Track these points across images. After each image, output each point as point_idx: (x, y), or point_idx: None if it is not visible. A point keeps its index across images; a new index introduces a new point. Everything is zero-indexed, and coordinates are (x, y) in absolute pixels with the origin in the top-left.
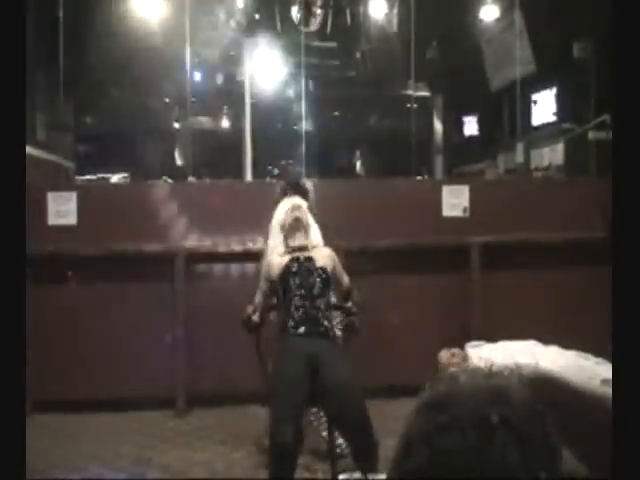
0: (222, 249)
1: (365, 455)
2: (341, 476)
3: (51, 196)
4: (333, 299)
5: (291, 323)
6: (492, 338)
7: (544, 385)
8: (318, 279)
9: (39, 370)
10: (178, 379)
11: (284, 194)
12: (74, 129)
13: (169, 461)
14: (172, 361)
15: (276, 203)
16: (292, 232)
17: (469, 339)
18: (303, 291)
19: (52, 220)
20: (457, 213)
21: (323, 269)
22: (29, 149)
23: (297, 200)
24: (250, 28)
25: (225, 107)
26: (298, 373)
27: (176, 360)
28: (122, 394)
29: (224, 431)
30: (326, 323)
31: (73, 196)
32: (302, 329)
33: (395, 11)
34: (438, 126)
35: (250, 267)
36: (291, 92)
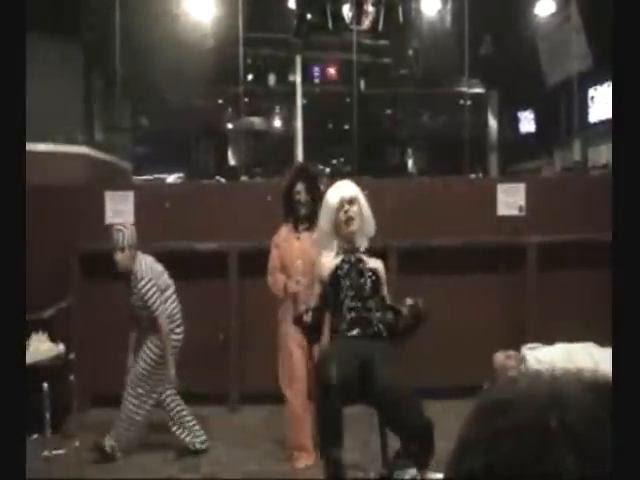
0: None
1: (422, 455)
2: (396, 474)
3: (109, 195)
4: (387, 300)
5: (343, 325)
6: (549, 340)
7: (604, 389)
8: (369, 280)
9: (93, 366)
10: (231, 375)
11: (293, 180)
12: (131, 130)
13: (221, 455)
14: (225, 358)
15: (282, 194)
16: (344, 235)
17: (525, 341)
18: (354, 292)
19: (110, 219)
20: (513, 212)
21: (373, 270)
22: (87, 150)
23: (347, 190)
24: (302, 28)
25: (277, 107)
26: (348, 375)
27: (229, 357)
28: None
29: (276, 428)
30: (379, 324)
31: (130, 196)
32: (354, 331)
33: (448, 7)
34: (493, 123)
35: None
36: (342, 91)
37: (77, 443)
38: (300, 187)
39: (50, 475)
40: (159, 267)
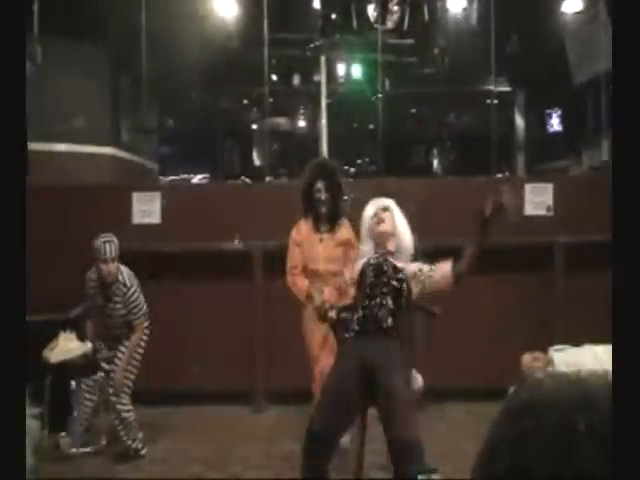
0: None
1: (402, 471)
2: (420, 477)
3: (136, 196)
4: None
5: (353, 323)
6: (576, 341)
7: None
8: (392, 279)
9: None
10: (257, 375)
11: (313, 177)
12: (157, 131)
13: (247, 455)
14: (251, 358)
15: (302, 191)
16: (378, 241)
17: (552, 342)
18: (370, 290)
19: (137, 219)
20: (540, 212)
21: (398, 269)
22: (114, 151)
23: (381, 202)
24: (326, 28)
25: (301, 107)
26: (347, 373)
27: (255, 357)
28: (202, 389)
29: (302, 428)
30: (389, 322)
31: (157, 196)
32: (362, 328)
33: (474, 5)
34: (519, 122)
35: None
36: (367, 91)
37: (104, 441)
38: (320, 185)
39: (78, 473)
40: (132, 272)
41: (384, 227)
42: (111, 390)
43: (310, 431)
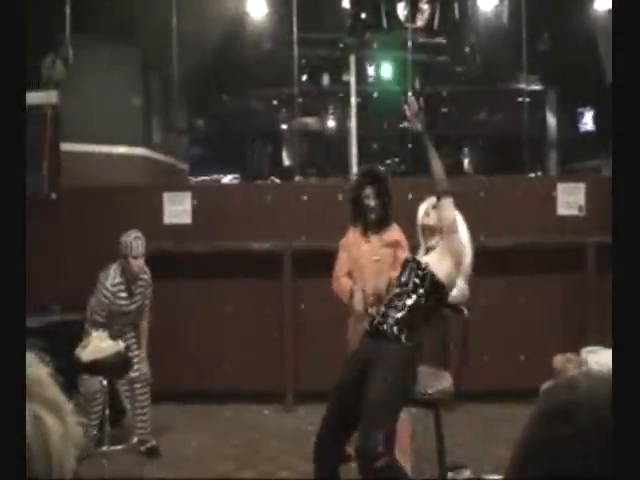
0: (329, 246)
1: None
2: (450, 474)
3: (167, 196)
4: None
5: (367, 323)
6: (609, 342)
7: None
8: (414, 277)
9: (153, 362)
10: (286, 375)
11: (362, 184)
12: (187, 132)
13: (277, 454)
14: (280, 357)
15: (351, 198)
16: (423, 237)
17: (585, 343)
18: (397, 288)
19: (168, 219)
20: (572, 211)
21: (422, 265)
22: (146, 151)
23: (434, 199)
24: (356, 27)
25: (331, 107)
26: (347, 375)
27: (284, 356)
28: (232, 388)
29: None
30: (393, 324)
31: (188, 196)
32: (371, 328)
33: (505, 3)
34: (551, 121)
35: None
36: (397, 90)
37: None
38: (369, 191)
39: (108, 471)
40: None
41: (426, 220)
42: (139, 384)
43: (317, 435)
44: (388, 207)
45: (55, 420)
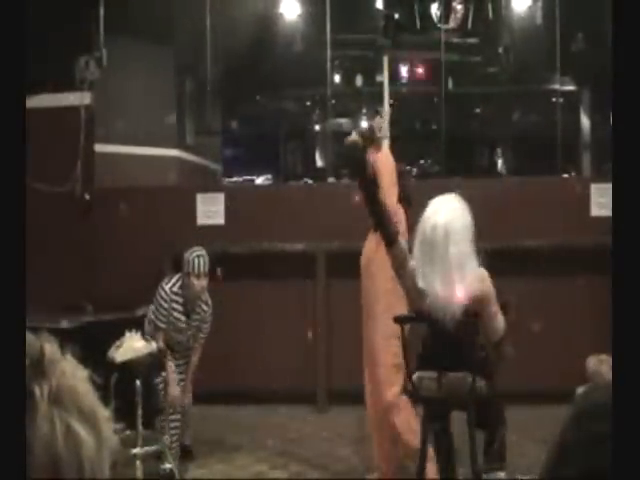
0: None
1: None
2: (485, 476)
3: (200, 197)
4: None
5: None
6: None
7: None
8: None
9: None
10: (319, 376)
11: None
12: (221, 133)
13: (309, 455)
14: (313, 358)
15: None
16: None
17: None
18: None
19: (201, 220)
20: (606, 212)
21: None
22: (179, 153)
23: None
24: (389, 28)
25: (364, 108)
26: None
27: (317, 357)
28: (265, 389)
29: (363, 429)
30: None
31: (221, 197)
32: None
33: (539, 3)
34: (585, 121)
35: None
36: (431, 91)
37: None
38: None
39: (140, 471)
40: None
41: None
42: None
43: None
44: (409, 209)
45: (89, 431)
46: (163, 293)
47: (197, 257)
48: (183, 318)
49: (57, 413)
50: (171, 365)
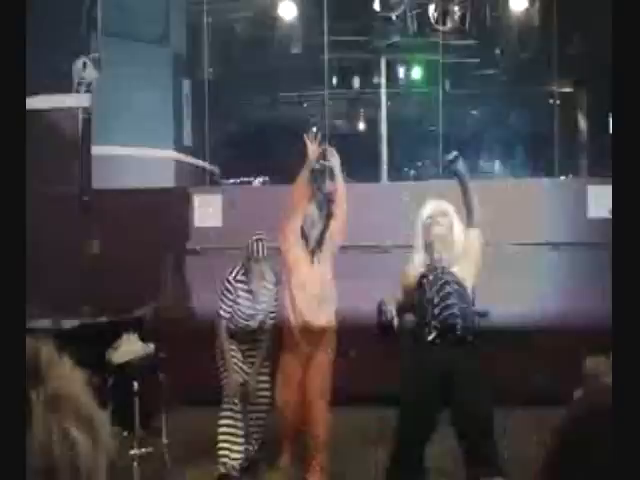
0: (364, 247)
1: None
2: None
3: (197, 199)
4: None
5: (425, 332)
6: None
7: None
8: (455, 287)
9: (183, 365)
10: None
11: None
12: (218, 134)
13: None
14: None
15: None
16: (432, 249)
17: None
18: (438, 300)
19: (198, 222)
20: (604, 215)
21: (460, 279)
22: (176, 154)
23: (441, 205)
24: (386, 29)
25: (361, 110)
26: (426, 389)
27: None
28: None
29: (380, 431)
30: (462, 331)
31: (218, 199)
32: (436, 339)
33: (536, 5)
34: (583, 123)
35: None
36: (428, 92)
37: (165, 441)
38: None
39: (138, 473)
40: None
41: (438, 230)
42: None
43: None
44: None
45: (86, 435)
46: (227, 283)
47: (256, 241)
48: (249, 302)
49: (54, 418)
50: (233, 353)
